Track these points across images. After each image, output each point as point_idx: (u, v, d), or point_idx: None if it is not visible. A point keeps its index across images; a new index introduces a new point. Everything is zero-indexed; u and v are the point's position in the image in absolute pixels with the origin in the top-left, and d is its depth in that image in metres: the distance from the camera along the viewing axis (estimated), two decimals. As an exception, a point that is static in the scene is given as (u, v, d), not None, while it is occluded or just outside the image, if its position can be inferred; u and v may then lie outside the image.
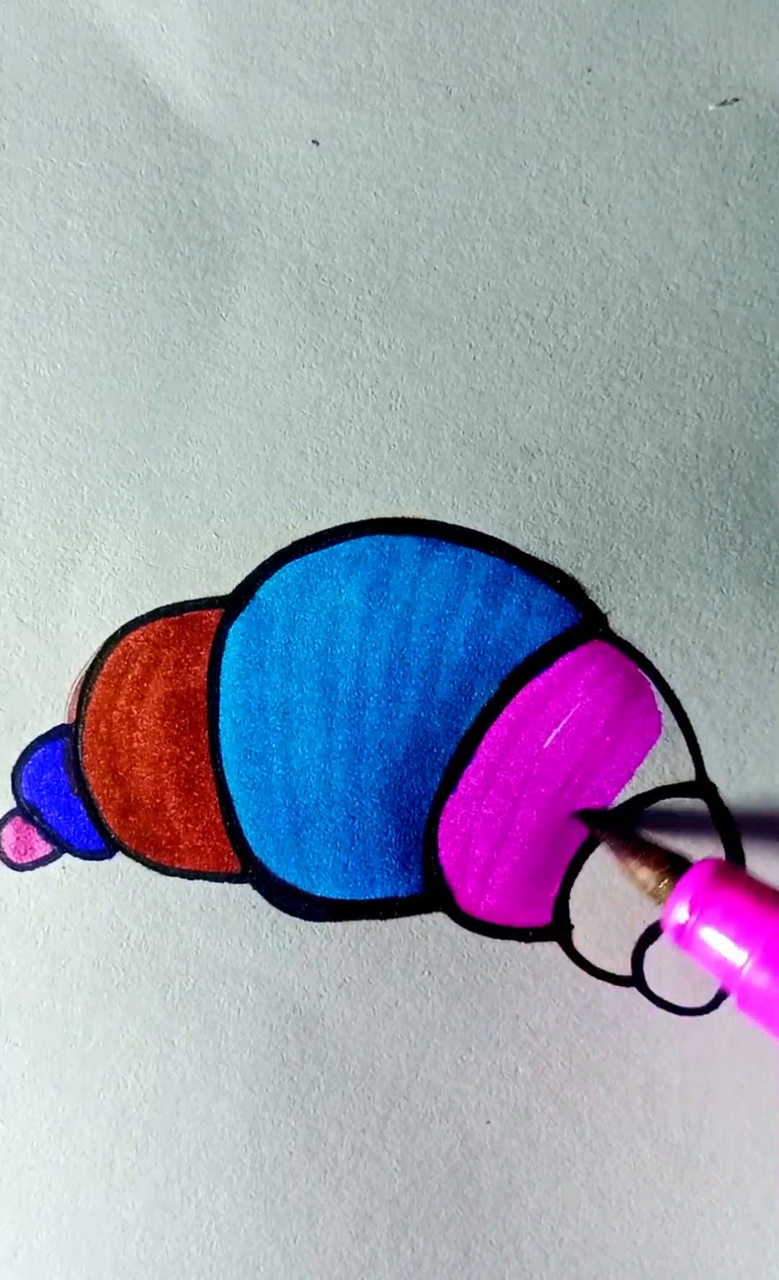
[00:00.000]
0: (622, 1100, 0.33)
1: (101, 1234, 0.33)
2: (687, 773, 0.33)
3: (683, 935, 0.28)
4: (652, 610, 0.33)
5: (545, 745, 0.33)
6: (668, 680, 0.33)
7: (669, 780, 0.33)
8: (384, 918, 0.34)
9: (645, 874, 0.30)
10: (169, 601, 0.34)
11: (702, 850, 0.33)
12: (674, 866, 0.30)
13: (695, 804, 0.33)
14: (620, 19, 0.34)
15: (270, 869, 0.34)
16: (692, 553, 0.34)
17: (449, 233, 0.34)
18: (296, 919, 0.34)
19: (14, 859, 0.34)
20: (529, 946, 0.33)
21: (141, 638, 0.34)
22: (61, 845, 0.34)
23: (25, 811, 0.34)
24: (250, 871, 0.34)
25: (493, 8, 0.34)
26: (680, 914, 0.28)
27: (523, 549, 0.34)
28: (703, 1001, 0.33)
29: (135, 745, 0.34)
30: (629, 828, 0.32)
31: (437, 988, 0.33)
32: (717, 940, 0.28)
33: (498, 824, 0.33)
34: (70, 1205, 0.34)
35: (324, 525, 0.34)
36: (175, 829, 0.34)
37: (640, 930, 0.33)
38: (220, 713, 0.34)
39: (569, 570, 0.34)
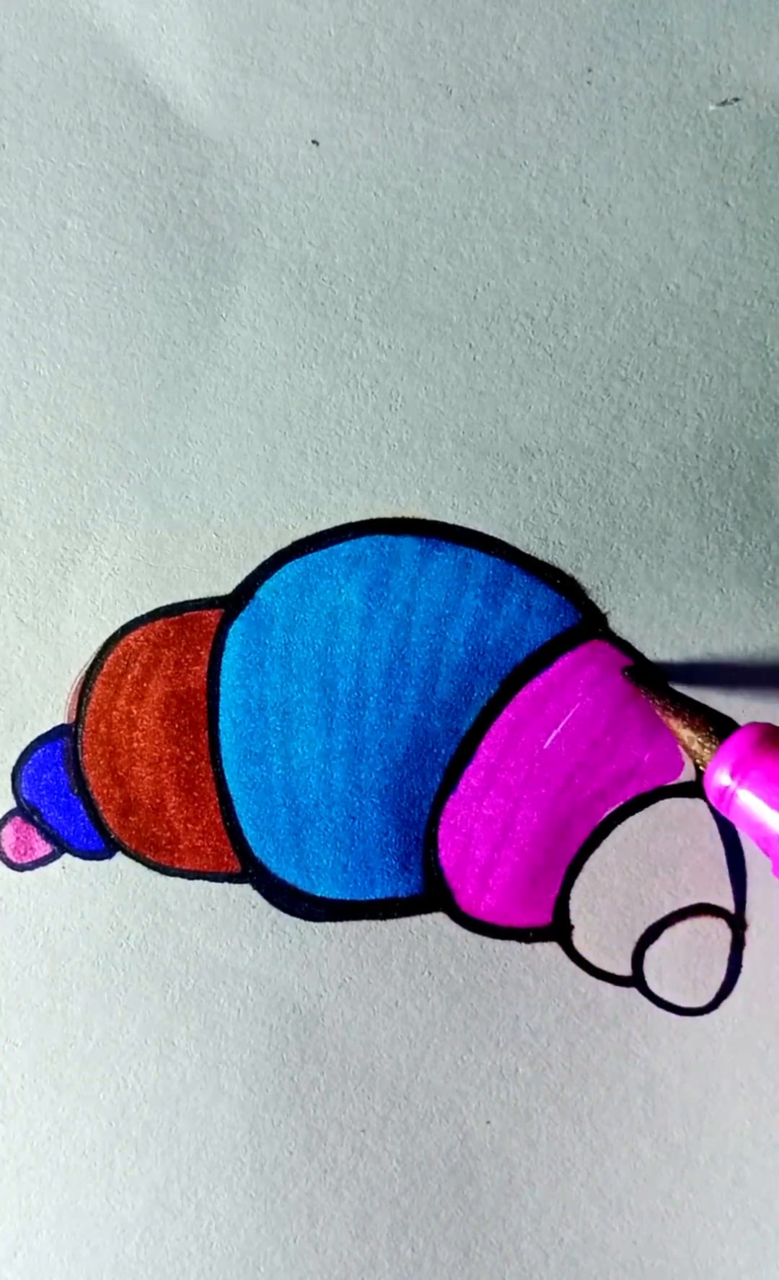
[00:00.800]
0: (622, 1100, 0.33)
1: (101, 1234, 0.33)
2: (687, 773, 0.33)
3: (724, 799, 0.28)
4: (652, 610, 0.33)
5: (546, 745, 0.33)
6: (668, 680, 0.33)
7: (668, 781, 0.33)
8: (384, 918, 0.34)
9: (688, 734, 0.29)
10: (169, 601, 0.34)
11: (701, 849, 0.33)
12: (719, 728, 0.29)
13: (695, 804, 0.33)
14: (620, 19, 0.34)
15: (270, 869, 0.34)
16: (692, 553, 0.34)
17: (449, 233, 0.34)
18: (296, 919, 0.34)
19: (14, 859, 0.34)
20: (529, 946, 0.33)
21: (141, 638, 0.34)
22: (61, 845, 0.34)
23: (25, 811, 0.34)
24: (250, 871, 0.34)
25: (493, 8, 0.34)
26: (722, 777, 0.28)
27: (523, 549, 0.34)
28: (703, 1001, 0.33)
29: (135, 745, 0.34)
30: (673, 688, 0.32)
31: (437, 988, 0.33)
32: (757, 806, 0.27)
33: (498, 824, 0.33)
34: (70, 1205, 0.34)
35: (324, 525, 0.34)
36: (175, 829, 0.34)
37: (640, 930, 0.33)
38: (220, 713, 0.34)
39: (569, 570, 0.34)
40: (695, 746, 0.29)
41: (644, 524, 0.34)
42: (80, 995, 0.34)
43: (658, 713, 0.31)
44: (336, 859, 0.33)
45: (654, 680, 0.32)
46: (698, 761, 0.29)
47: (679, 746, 0.30)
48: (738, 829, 0.28)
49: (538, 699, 0.33)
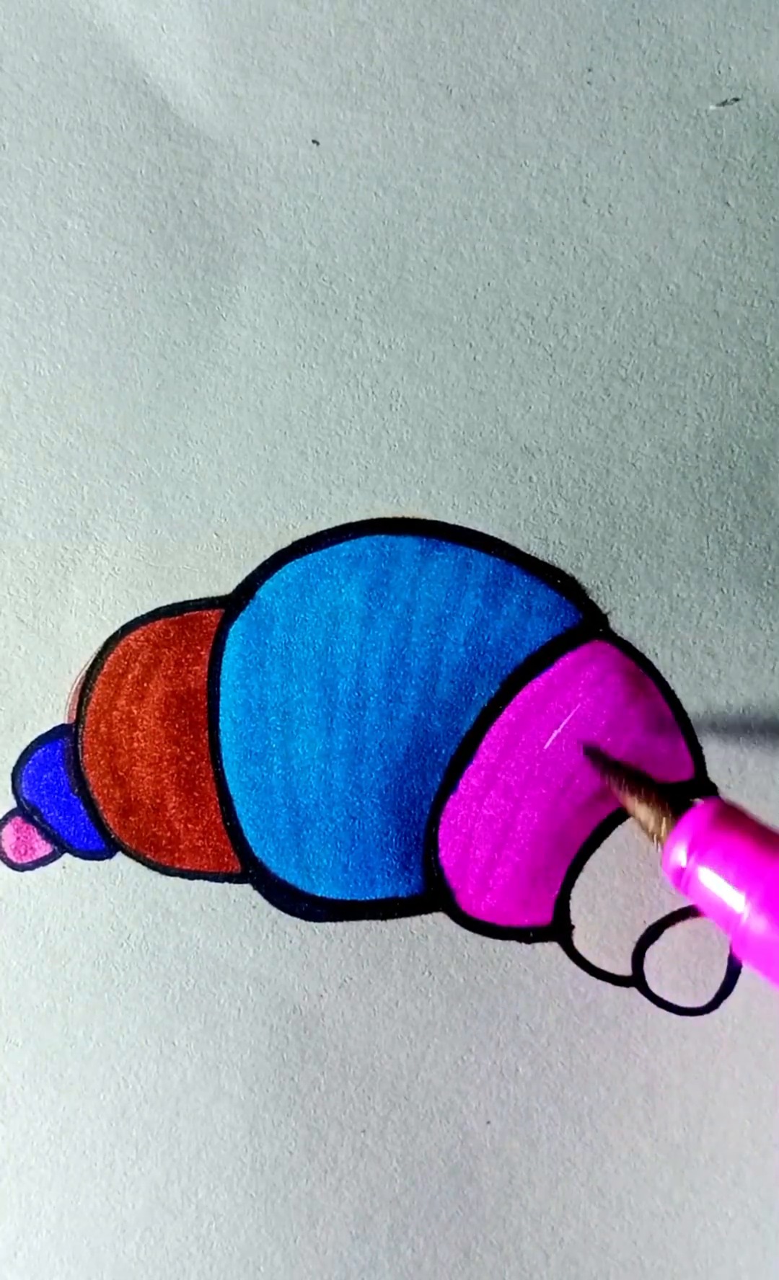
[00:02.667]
0: (622, 1100, 0.33)
1: (101, 1234, 0.33)
2: (687, 773, 0.33)
3: (681, 878, 0.28)
4: (652, 610, 0.33)
5: (546, 746, 0.33)
6: (668, 680, 0.33)
7: (669, 780, 0.33)
8: (384, 918, 0.34)
9: (645, 812, 0.29)
10: (169, 601, 0.34)
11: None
12: (675, 806, 0.29)
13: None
14: (620, 19, 0.34)
15: (270, 869, 0.34)
16: (692, 553, 0.34)
17: (449, 233, 0.34)
18: (296, 919, 0.34)
19: (14, 859, 0.34)
20: (529, 946, 0.33)
21: (141, 638, 0.34)
22: (61, 845, 0.34)
23: (25, 811, 0.34)
24: (250, 871, 0.34)
25: (493, 8, 0.34)
26: (679, 856, 0.28)
27: (523, 549, 0.34)
28: (703, 1001, 0.33)
29: (135, 745, 0.34)
30: (633, 766, 0.32)
31: (437, 988, 0.33)
32: (715, 884, 0.27)
33: (498, 824, 0.33)
34: (70, 1205, 0.34)
35: (324, 525, 0.34)
36: (175, 829, 0.34)
37: (640, 930, 0.33)
38: (220, 713, 0.34)
39: (569, 570, 0.34)
40: (652, 825, 0.29)
41: (644, 524, 0.34)
42: (80, 995, 0.34)
43: (615, 791, 0.31)
44: (337, 859, 0.33)
45: (610, 760, 0.32)
46: (656, 840, 0.29)
47: (636, 826, 0.30)
48: (698, 909, 0.28)
49: (538, 699, 0.33)
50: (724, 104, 0.34)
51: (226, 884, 0.34)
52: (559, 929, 0.33)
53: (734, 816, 0.28)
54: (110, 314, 0.34)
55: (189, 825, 0.34)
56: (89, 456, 0.34)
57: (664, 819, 0.29)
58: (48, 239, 0.35)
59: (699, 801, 0.29)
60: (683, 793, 0.33)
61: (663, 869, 0.29)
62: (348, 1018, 0.33)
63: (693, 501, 0.34)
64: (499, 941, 0.33)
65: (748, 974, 0.33)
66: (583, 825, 0.33)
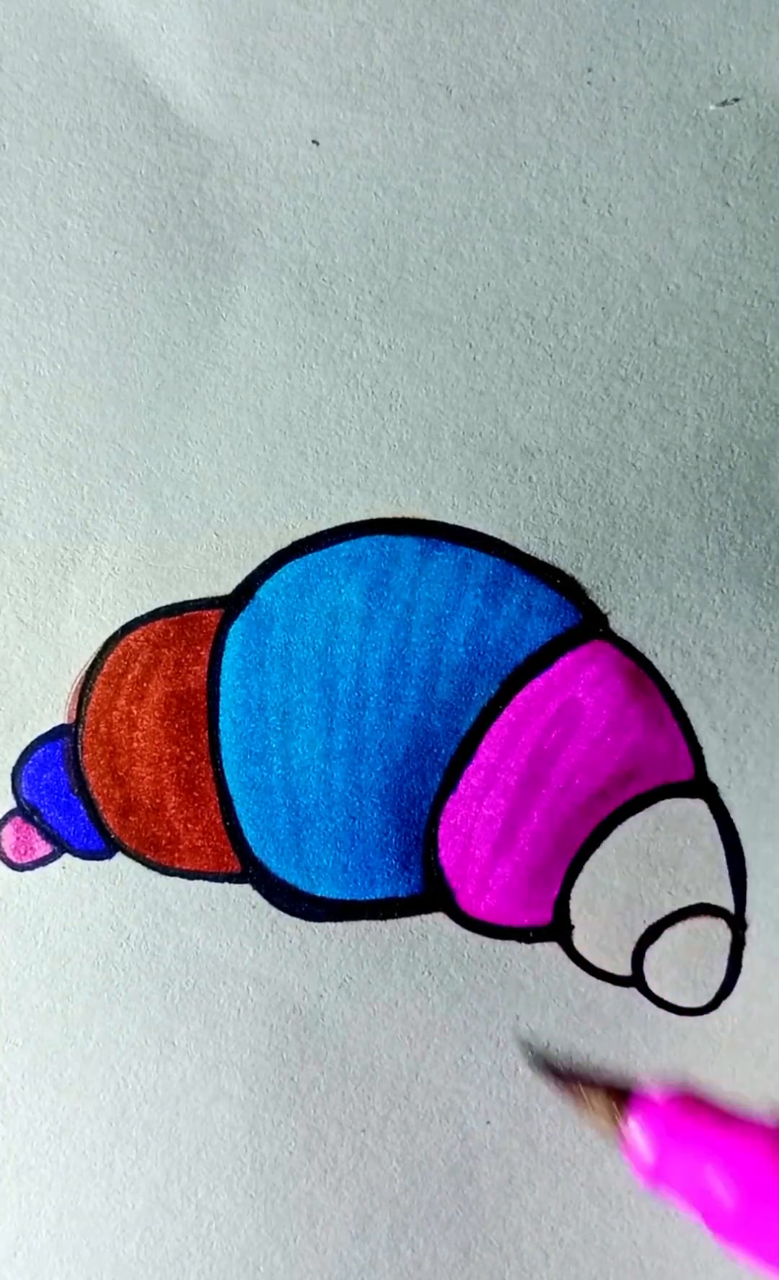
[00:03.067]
0: (622, 1100, 0.33)
1: (101, 1234, 0.33)
2: (686, 773, 0.33)
3: (650, 1177, 0.26)
4: (652, 610, 0.33)
5: (546, 746, 0.33)
6: (668, 680, 0.33)
7: (669, 780, 0.33)
8: (384, 918, 0.34)
9: (596, 1117, 0.27)
10: (169, 601, 0.34)
11: (701, 849, 0.33)
12: (621, 1101, 0.27)
13: (695, 804, 0.33)
14: (620, 19, 0.34)
15: (270, 869, 0.34)
16: (692, 553, 0.34)
17: (449, 233, 0.34)
18: (297, 919, 0.34)
19: (14, 859, 0.34)
20: (529, 946, 0.33)
21: (141, 638, 0.34)
22: (61, 845, 0.34)
23: (25, 811, 0.34)
24: (250, 871, 0.34)
25: (493, 8, 0.34)
26: (643, 1156, 0.26)
27: (523, 549, 0.34)
28: (703, 1001, 0.33)
29: (135, 745, 0.34)
30: (577, 1070, 0.31)
31: (437, 988, 0.33)
32: (687, 1179, 0.25)
33: (498, 824, 0.33)
34: (70, 1205, 0.34)
35: (324, 525, 0.34)
36: (175, 829, 0.34)
37: (640, 930, 0.33)
38: (220, 713, 0.34)
39: (569, 570, 0.34)
40: (605, 1126, 0.27)
41: (644, 524, 0.34)
42: (80, 995, 0.34)
43: (568, 1101, 0.29)
44: (336, 859, 0.33)
45: (555, 1069, 0.32)
46: (616, 1137, 0.27)
47: (595, 1129, 0.29)
48: (673, 1197, 0.26)
49: (538, 699, 0.33)
50: (724, 104, 0.34)
51: (226, 884, 0.34)
52: (559, 929, 0.33)
53: (688, 1106, 0.26)
54: (110, 314, 0.34)
55: (189, 825, 0.34)
56: (89, 456, 0.34)
57: (617, 1119, 0.27)
58: (48, 239, 0.35)
59: (642, 1094, 0.27)
60: (683, 793, 0.33)
61: (632, 1170, 0.27)
62: (348, 1018, 0.33)
63: (693, 501, 0.34)
64: (499, 941, 0.33)
65: (748, 974, 0.33)
66: (583, 825, 0.33)
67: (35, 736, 0.34)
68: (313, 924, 0.34)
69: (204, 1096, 0.34)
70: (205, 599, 0.34)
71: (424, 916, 0.34)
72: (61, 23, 0.35)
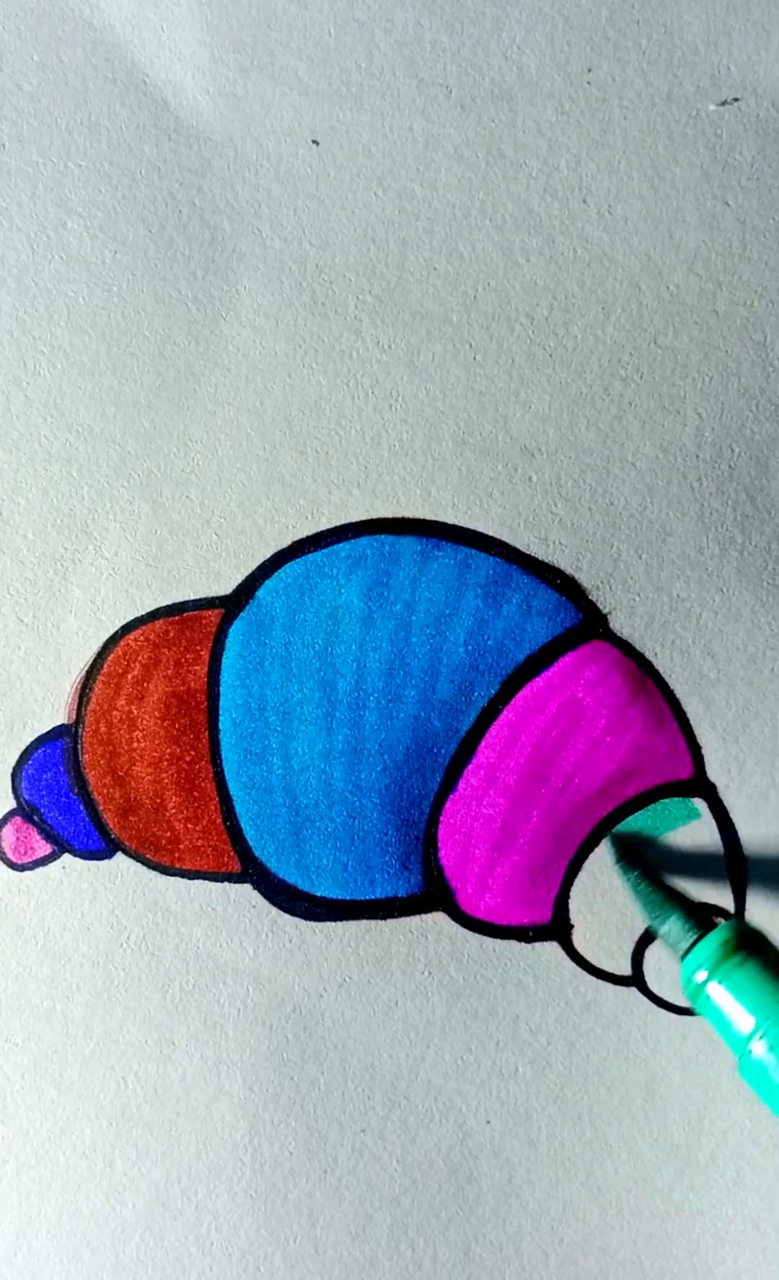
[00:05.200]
0: (622, 1100, 0.33)
1: (101, 1234, 0.33)
2: (686, 772, 0.33)
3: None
4: (652, 610, 0.33)
5: (546, 745, 0.33)
6: (668, 680, 0.33)
7: (669, 780, 0.33)
8: (384, 918, 0.34)
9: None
10: (169, 601, 0.34)
11: (702, 849, 0.33)
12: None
13: (695, 804, 0.33)
14: (620, 19, 0.34)
15: (270, 869, 0.34)
16: (692, 553, 0.34)
17: (449, 233, 0.34)
18: (297, 919, 0.34)
19: (14, 859, 0.34)
20: (529, 946, 0.33)
21: (141, 638, 0.34)
22: (61, 845, 0.34)
23: (25, 811, 0.34)
24: (250, 871, 0.34)
25: (493, 8, 0.34)
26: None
27: (523, 549, 0.34)
28: (703, 1001, 0.33)
29: (135, 745, 0.34)
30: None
31: (437, 988, 0.33)
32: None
33: (498, 824, 0.33)
34: (70, 1205, 0.34)
35: (324, 525, 0.34)
36: (175, 829, 0.34)
37: (640, 930, 0.33)
38: (220, 713, 0.34)
39: (569, 570, 0.34)
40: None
41: (644, 524, 0.34)
42: (80, 995, 0.34)
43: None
44: (337, 859, 0.33)
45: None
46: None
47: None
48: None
49: (538, 699, 0.33)
50: (724, 104, 0.34)
51: (226, 884, 0.34)
52: (559, 928, 0.33)
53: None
54: (110, 314, 0.34)
55: (189, 825, 0.34)
56: (89, 456, 0.34)
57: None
58: (48, 239, 0.35)
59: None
60: (683, 792, 0.33)
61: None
62: (348, 1017, 0.33)
63: (693, 501, 0.34)
64: (499, 941, 0.33)
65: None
66: (582, 824, 0.33)
67: (35, 736, 0.34)
68: (313, 924, 0.34)
69: (204, 1096, 0.34)
70: (205, 599, 0.34)
71: (424, 916, 0.34)
72: (61, 23, 0.35)
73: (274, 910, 0.34)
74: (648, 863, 0.33)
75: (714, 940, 0.29)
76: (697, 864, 0.33)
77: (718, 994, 0.28)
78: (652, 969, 0.33)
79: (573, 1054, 0.33)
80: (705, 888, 0.33)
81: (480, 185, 0.34)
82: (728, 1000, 0.28)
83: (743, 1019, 0.28)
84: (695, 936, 0.29)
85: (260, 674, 0.34)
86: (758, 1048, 0.27)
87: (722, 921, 0.30)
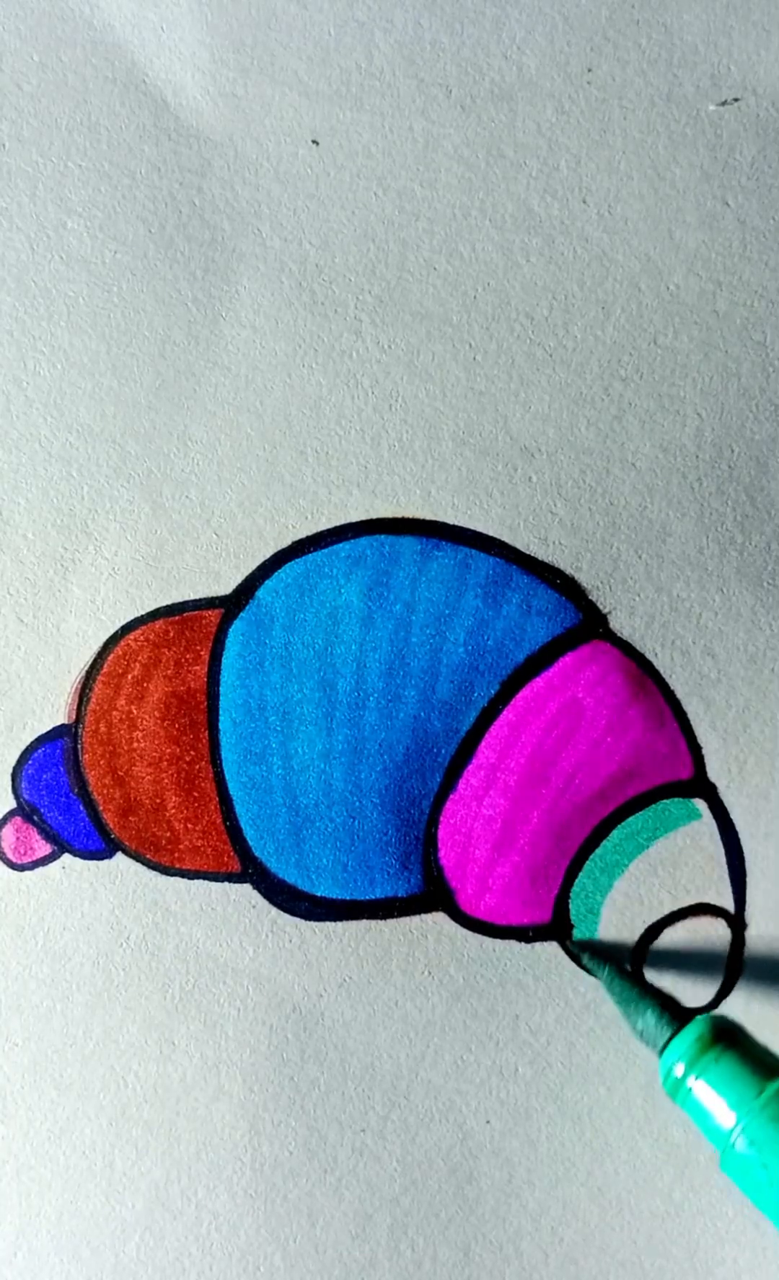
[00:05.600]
0: (622, 1100, 0.33)
1: (101, 1234, 0.33)
2: (686, 772, 0.33)
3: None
4: (652, 610, 0.33)
5: (546, 746, 0.33)
6: (668, 680, 0.33)
7: (669, 780, 0.33)
8: (384, 918, 0.34)
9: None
10: (169, 601, 0.34)
11: (701, 849, 0.33)
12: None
13: (695, 804, 0.33)
14: (620, 19, 0.34)
15: (270, 869, 0.34)
16: (692, 553, 0.34)
17: (449, 233, 0.34)
18: (297, 919, 0.34)
19: (14, 859, 0.34)
20: (529, 946, 0.33)
21: (141, 638, 0.34)
22: (61, 845, 0.34)
23: (25, 811, 0.34)
24: (250, 871, 0.34)
25: (493, 8, 0.34)
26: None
27: (523, 549, 0.34)
28: (703, 1001, 0.33)
29: (135, 745, 0.34)
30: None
31: (437, 988, 0.33)
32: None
33: (498, 824, 0.33)
34: (70, 1205, 0.34)
35: (324, 525, 0.34)
36: (175, 829, 0.34)
37: (640, 930, 0.33)
38: (220, 713, 0.34)
39: (569, 570, 0.34)
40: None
41: (644, 524, 0.34)
42: (80, 995, 0.34)
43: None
44: (337, 859, 0.33)
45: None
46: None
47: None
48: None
49: (538, 699, 0.33)
50: (724, 104, 0.34)
51: (226, 884, 0.34)
52: (558, 928, 0.33)
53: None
54: (110, 314, 0.34)
55: (189, 825, 0.34)
56: (89, 456, 0.34)
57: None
58: (48, 239, 0.35)
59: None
60: (683, 792, 0.33)
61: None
62: (348, 1017, 0.33)
63: (693, 501, 0.34)
64: (499, 941, 0.33)
65: (748, 974, 0.33)
66: (582, 825, 0.33)
67: (35, 736, 0.34)
68: (313, 924, 0.34)
69: (204, 1096, 0.34)
70: (205, 599, 0.34)
71: (424, 916, 0.34)
72: (61, 23, 0.35)
73: (274, 910, 0.34)
74: (618, 959, 0.33)
75: (690, 1035, 0.28)
76: (697, 864, 0.33)
77: (698, 1089, 0.28)
78: (652, 969, 0.33)
79: (573, 1054, 0.33)
80: (706, 888, 0.33)
81: (480, 185, 0.34)
82: (709, 1095, 0.28)
83: (724, 1114, 0.27)
84: (671, 1031, 0.29)
85: (260, 674, 0.34)
86: (740, 1143, 0.27)
87: (698, 1016, 0.29)
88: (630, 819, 0.33)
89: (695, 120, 0.34)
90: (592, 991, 0.33)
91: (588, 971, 0.33)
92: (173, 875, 0.34)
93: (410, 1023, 0.33)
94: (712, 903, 0.33)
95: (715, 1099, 0.28)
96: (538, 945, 0.33)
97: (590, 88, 0.34)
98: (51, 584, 0.34)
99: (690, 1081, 0.28)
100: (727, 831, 0.33)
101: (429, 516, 0.34)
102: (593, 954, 0.32)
